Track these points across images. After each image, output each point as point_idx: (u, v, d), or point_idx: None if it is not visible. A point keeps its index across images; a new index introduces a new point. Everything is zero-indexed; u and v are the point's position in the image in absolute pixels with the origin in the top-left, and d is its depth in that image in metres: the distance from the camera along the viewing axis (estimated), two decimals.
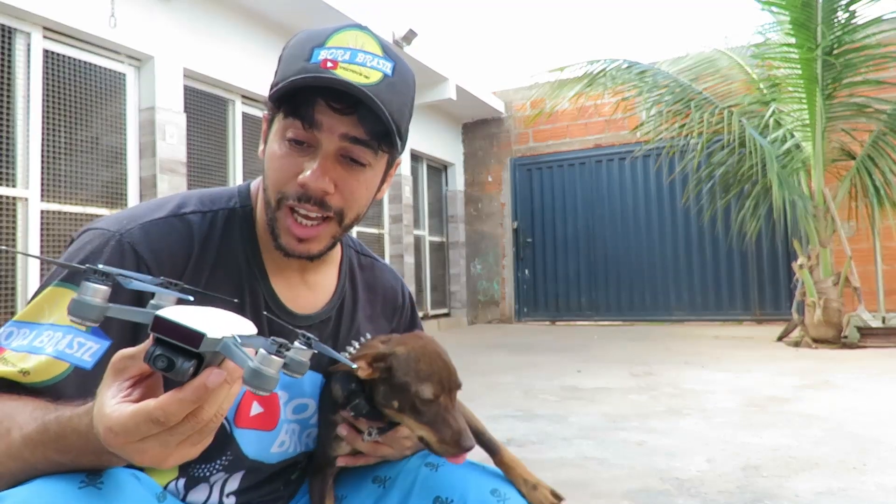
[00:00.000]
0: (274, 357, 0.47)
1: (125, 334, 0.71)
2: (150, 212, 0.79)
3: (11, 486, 0.58)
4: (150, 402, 0.48)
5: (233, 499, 0.83)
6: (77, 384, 0.67)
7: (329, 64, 0.72)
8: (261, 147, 0.83)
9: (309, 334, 0.51)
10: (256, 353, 0.48)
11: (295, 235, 0.78)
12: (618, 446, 2.54)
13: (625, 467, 2.27)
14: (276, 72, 0.78)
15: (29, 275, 3.95)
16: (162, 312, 0.47)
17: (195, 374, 0.48)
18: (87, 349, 0.68)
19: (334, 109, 0.73)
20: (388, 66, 0.75)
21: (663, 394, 3.57)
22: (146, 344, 0.49)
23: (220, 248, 0.80)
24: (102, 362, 0.68)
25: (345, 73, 0.72)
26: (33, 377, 0.65)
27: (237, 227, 0.83)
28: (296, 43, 0.77)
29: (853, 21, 5.37)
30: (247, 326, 0.51)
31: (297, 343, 0.50)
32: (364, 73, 0.73)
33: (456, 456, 0.75)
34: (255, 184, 0.87)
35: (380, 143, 0.76)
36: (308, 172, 0.74)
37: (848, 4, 5.26)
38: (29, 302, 0.71)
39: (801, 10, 5.19)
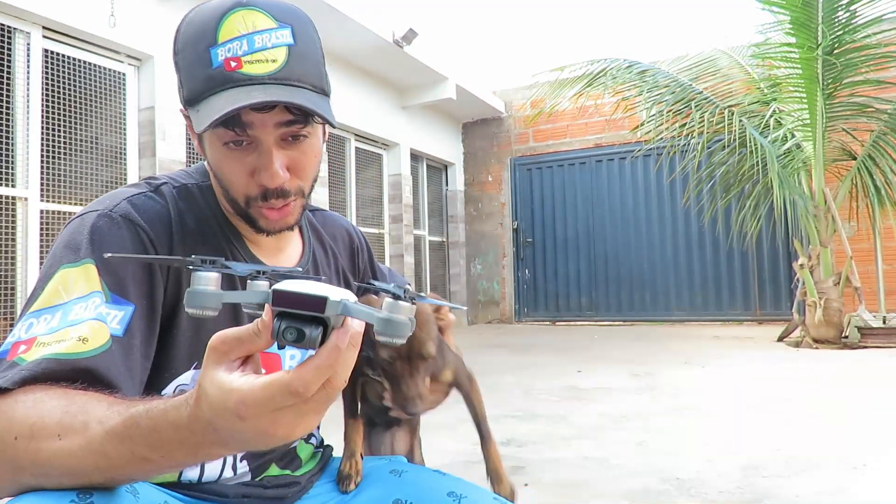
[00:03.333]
0: (402, 303, 0.47)
1: (143, 297, 0.72)
2: (126, 190, 0.80)
3: (85, 486, 0.57)
4: (284, 374, 0.48)
5: (245, 464, 0.84)
6: (119, 355, 0.67)
7: (233, 63, 0.70)
8: (195, 143, 0.82)
9: (407, 286, 0.51)
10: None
11: (271, 219, 0.80)
12: (618, 446, 2.53)
13: (625, 467, 2.26)
14: (181, 80, 0.76)
15: (28, 275, 3.95)
16: (278, 286, 0.48)
17: (322, 341, 0.48)
18: (114, 317, 0.68)
19: (258, 110, 0.72)
20: (287, 35, 0.73)
21: (663, 394, 3.57)
22: (256, 325, 0.50)
23: (196, 218, 0.82)
24: (130, 328, 0.69)
25: (250, 68, 0.71)
26: (92, 343, 0.64)
27: (205, 199, 0.84)
28: (186, 44, 0.74)
29: (854, 21, 5.37)
30: (347, 293, 0.51)
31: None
32: (269, 56, 0.71)
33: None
34: (207, 166, 0.88)
35: (312, 115, 0.75)
36: (262, 173, 0.75)
37: (848, 4, 5.25)
38: (36, 294, 0.69)
39: (802, 10, 5.19)
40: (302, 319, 0.48)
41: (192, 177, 0.86)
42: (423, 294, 0.54)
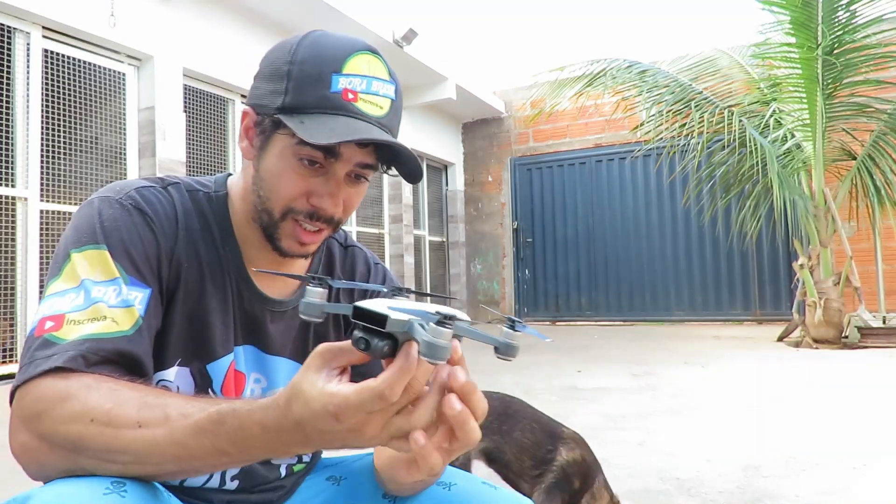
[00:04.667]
0: (442, 329, 0.54)
1: (154, 282, 0.75)
2: (136, 182, 0.82)
3: (154, 474, 0.61)
4: (371, 382, 0.53)
5: (237, 482, 0.84)
6: (146, 336, 0.71)
7: (350, 95, 0.76)
8: (244, 143, 0.83)
9: (514, 319, 0.61)
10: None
11: (300, 241, 0.81)
12: (618, 446, 2.53)
13: (625, 467, 2.26)
14: (287, 88, 0.76)
15: (28, 275, 3.95)
16: (360, 303, 0.56)
17: (393, 353, 0.55)
18: (135, 298, 0.71)
19: (358, 144, 0.77)
20: (393, 91, 0.79)
21: (663, 394, 3.57)
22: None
23: (198, 223, 0.83)
24: (149, 309, 0.73)
25: (364, 106, 0.76)
26: (123, 324, 0.68)
27: (211, 208, 0.85)
28: (308, 59, 0.77)
29: (854, 21, 5.37)
30: (446, 311, 0.57)
31: (506, 327, 0.62)
32: (379, 103, 0.77)
33: None
34: (233, 178, 0.88)
35: (386, 165, 0.81)
36: (324, 198, 0.79)
37: (848, 4, 5.25)
38: (53, 275, 0.71)
39: (802, 10, 5.19)
40: (376, 333, 0.55)
41: (206, 186, 0.87)
42: (526, 324, 0.62)
